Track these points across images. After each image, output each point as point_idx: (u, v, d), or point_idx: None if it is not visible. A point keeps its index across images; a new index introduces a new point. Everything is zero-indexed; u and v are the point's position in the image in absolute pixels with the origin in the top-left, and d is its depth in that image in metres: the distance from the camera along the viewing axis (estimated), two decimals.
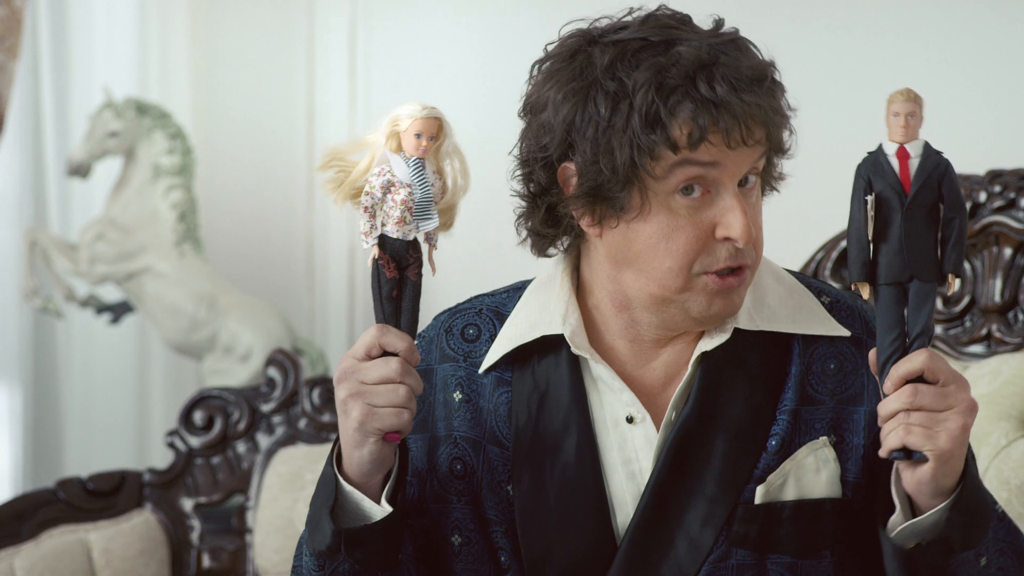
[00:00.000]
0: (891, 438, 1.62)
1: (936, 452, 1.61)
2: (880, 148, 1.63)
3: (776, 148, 1.72)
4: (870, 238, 1.62)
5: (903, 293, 1.63)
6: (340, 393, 1.69)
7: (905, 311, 1.63)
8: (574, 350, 1.77)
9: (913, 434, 1.61)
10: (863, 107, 3.40)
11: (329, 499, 1.70)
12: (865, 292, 1.64)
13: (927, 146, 1.62)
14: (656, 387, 1.79)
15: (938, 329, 2.53)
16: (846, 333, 1.77)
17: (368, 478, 1.71)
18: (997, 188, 2.50)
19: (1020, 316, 2.48)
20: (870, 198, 1.62)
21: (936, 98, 3.36)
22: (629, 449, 1.77)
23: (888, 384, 1.63)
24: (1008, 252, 2.48)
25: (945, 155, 1.63)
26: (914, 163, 1.62)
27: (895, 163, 1.62)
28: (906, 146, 1.62)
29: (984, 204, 2.50)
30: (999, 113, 3.31)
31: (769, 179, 1.76)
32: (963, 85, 3.35)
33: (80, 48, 4.26)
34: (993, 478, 2.33)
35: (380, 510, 1.71)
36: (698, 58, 1.68)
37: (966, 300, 2.51)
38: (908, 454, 1.62)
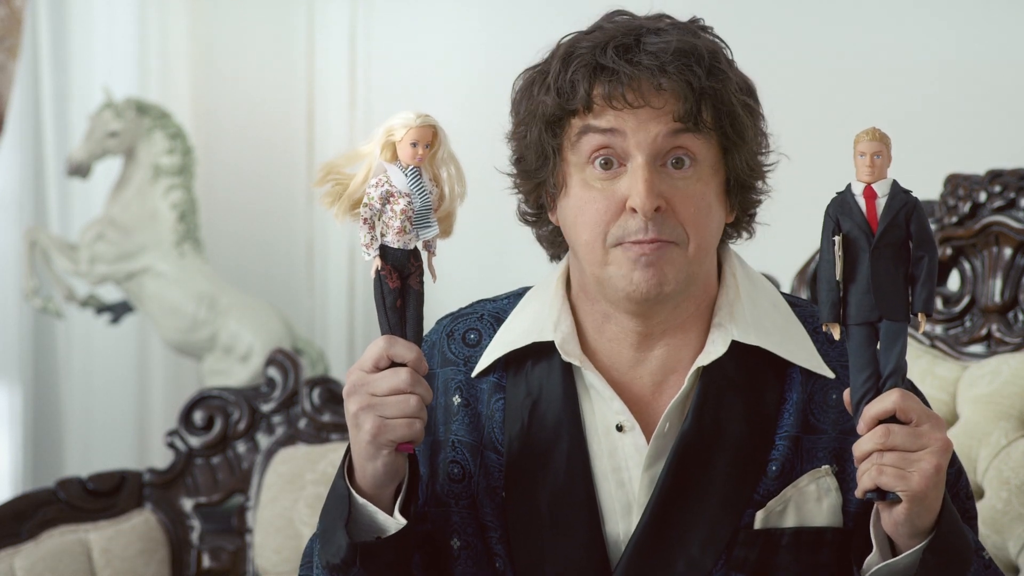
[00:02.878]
0: (864, 479, 1.62)
1: (909, 493, 1.60)
2: (848, 188, 1.63)
3: (693, 124, 1.71)
4: (839, 279, 1.62)
5: (874, 333, 1.63)
6: (351, 407, 1.69)
7: (877, 350, 1.63)
8: (565, 357, 1.77)
9: (886, 475, 1.60)
10: (864, 104, 3.40)
11: (343, 513, 1.70)
12: (836, 332, 1.64)
13: (895, 185, 1.62)
14: (646, 394, 1.78)
15: (938, 329, 2.53)
16: (829, 374, 1.77)
17: (381, 490, 1.71)
18: (997, 188, 2.49)
19: (1020, 316, 2.48)
20: (837, 239, 1.62)
21: (936, 98, 3.37)
22: (619, 457, 1.77)
23: (861, 425, 1.63)
24: (1008, 252, 2.48)
25: (914, 194, 1.63)
26: (881, 202, 1.61)
27: (862, 203, 1.62)
28: (873, 186, 1.62)
29: (984, 204, 2.50)
30: (999, 113, 3.30)
31: (736, 170, 1.76)
32: (963, 85, 3.35)
33: (80, 48, 4.25)
34: (993, 478, 2.33)
35: (394, 522, 1.71)
36: (615, 33, 1.73)
37: (966, 300, 2.51)
38: (882, 495, 1.62)
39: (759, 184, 1.79)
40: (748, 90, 1.77)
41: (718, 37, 1.77)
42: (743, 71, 1.78)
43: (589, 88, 1.71)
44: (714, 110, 1.73)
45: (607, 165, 1.73)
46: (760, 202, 1.81)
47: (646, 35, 1.73)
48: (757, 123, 1.77)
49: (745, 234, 1.83)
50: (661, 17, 1.77)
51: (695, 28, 1.76)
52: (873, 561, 1.67)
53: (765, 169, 1.79)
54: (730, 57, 1.77)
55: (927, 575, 1.63)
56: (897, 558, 1.65)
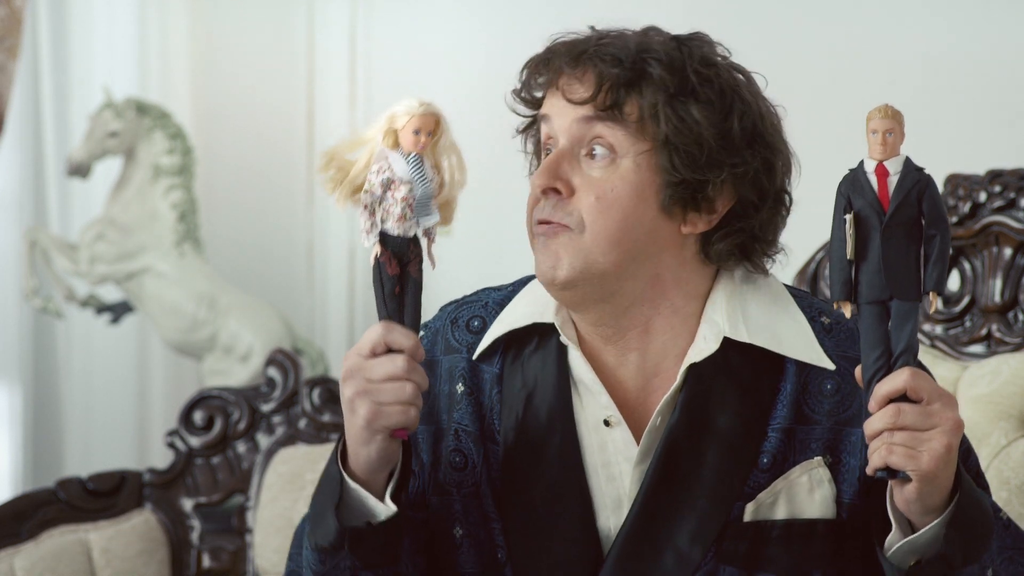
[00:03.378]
0: (875, 458, 1.61)
1: (919, 472, 1.60)
2: (860, 165, 1.62)
3: (606, 112, 1.73)
4: (850, 257, 1.61)
5: (885, 311, 1.61)
6: (346, 391, 1.69)
7: (889, 328, 1.62)
8: (563, 339, 1.78)
9: (895, 454, 1.60)
10: (864, 103, 3.40)
11: (334, 496, 1.70)
12: (847, 311, 1.63)
13: (907, 162, 1.60)
14: (634, 392, 1.78)
15: (938, 329, 2.53)
16: (830, 366, 1.76)
17: (374, 475, 1.71)
18: (997, 188, 2.50)
19: (1020, 316, 2.48)
20: (849, 217, 1.61)
21: (936, 98, 3.37)
22: (609, 452, 1.77)
23: (872, 403, 1.62)
24: (1008, 252, 2.48)
25: (927, 171, 1.61)
26: (893, 180, 1.60)
27: (874, 181, 1.60)
28: (885, 163, 1.60)
29: (984, 204, 2.50)
30: (999, 113, 3.30)
31: (667, 173, 1.73)
32: (963, 84, 3.35)
33: (80, 48, 4.26)
34: (993, 478, 2.33)
35: (384, 509, 1.71)
36: (581, 35, 1.77)
37: (966, 300, 2.51)
38: (892, 473, 1.61)
39: (711, 195, 1.74)
40: (706, 99, 1.73)
41: (697, 47, 1.75)
42: (728, 82, 1.76)
43: (527, 78, 1.79)
44: (637, 103, 1.72)
45: (547, 155, 1.77)
46: (742, 231, 1.76)
47: (603, 36, 1.76)
48: (700, 132, 1.72)
49: (740, 261, 1.79)
50: (647, 30, 1.78)
51: (658, 33, 1.76)
52: (894, 539, 1.66)
53: (720, 178, 1.73)
54: (694, 66, 1.73)
55: (952, 549, 1.63)
56: (917, 534, 1.64)
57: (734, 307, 1.77)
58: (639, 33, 1.77)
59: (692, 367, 1.75)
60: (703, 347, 1.75)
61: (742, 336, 1.75)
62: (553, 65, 1.75)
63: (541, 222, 1.74)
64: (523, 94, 1.80)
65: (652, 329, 1.77)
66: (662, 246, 1.75)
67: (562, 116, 1.74)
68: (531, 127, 1.82)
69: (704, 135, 1.72)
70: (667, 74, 1.72)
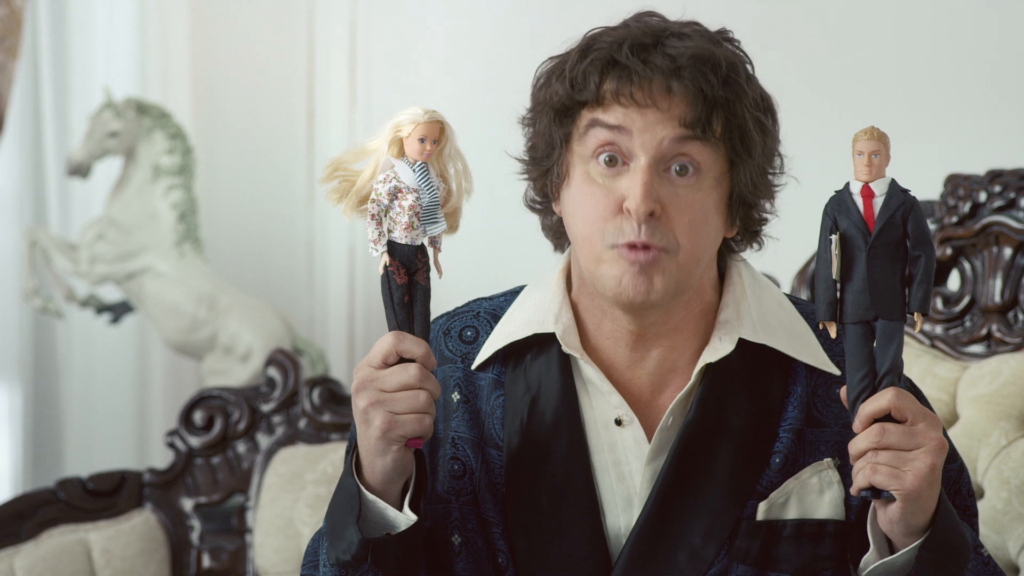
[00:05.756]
0: (859, 477, 1.63)
1: (903, 492, 1.61)
2: (846, 187, 1.64)
3: (701, 132, 1.71)
4: (835, 277, 1.63)
5: (870, 331, 1.63)
6: (360, 403, 1.69)
7: (874, 348, 1.63)
8: (565, 349, 1.78)
9: (880, 473, 1.61)
10: (865, 104, 3.40)
11: (354, 509, 1.70)
12: (832, 331, 1.64)
13: (893, 184, 1.63)
14: (646, 391, 1.79)
15: (938, 329, 2.53)
16: (835, 371, 1.77)
17: (390, 485, 1.71)
18: (997, 188, 2.50)
19: (1020, 316, 2.48)
20: (834, 237, 1.63)
21: (936, 98, 3.37)
22: (619, 451, 1.77)
23: (857, 423, 1.63)
24: (1008, 252, 2.48)
25: (912, 193, 1.63)
26: (879, 201, 1.62)
27: (860, 202, 1.63)
28: (871, 185, 1.62)
29: (984, 204, 2.50)
30: (999, 113, 3.30)
31: (740, 186, 1.75)
32: (963, 85, 3.35)
33: (80, 48, 4.25)
34: (993, 478, 2.33)
35: (404, 518, 1.71)
36: (637, 33, 1.72)
37: (966, 300, 2.51)
38: (876, 493, 1.62)
39: (763, 203, 1.79)
40: (765, 108, 1.76)
41: (743, 51, 1.77)
42: (764, 88, 1.78)
43: (600, 81, 1.71)
44: (725, 121, 1.72)
45: (611, 162, 1.73)
46: (765, 221, 1.81)
47: (668, 38, 1.73)
48: (768, 142, 1.76)
49: (751, 247, 1.83)
50: (689, 24, 1.76)
51: (720, 38, 1.76)
52: (870, 559, 1.67)
53: (774, 189, 1.79)
54: (751, 72, 1.76)
55: (923, 572, 1.64)
56: (893, 556, 1.65)
57: (746, 311, 1.78)
58: (714, 39, 1.74)
59: (708, 367, 1.75)
60: (719, 347, 1.76)
61: (757, 337, 1.76)
62: (635, 76, 1.71)
63: (643, 246, 1.70)
64: (582, 96, 1.73)
65: (681, 327, 1.78)
66: (714, 252, 1.78)
67: (648, 132, 1.71)
68: (560, 119, 1.76)
69: (775, 150, 1.76)
70: (751, 90, 1.74)
